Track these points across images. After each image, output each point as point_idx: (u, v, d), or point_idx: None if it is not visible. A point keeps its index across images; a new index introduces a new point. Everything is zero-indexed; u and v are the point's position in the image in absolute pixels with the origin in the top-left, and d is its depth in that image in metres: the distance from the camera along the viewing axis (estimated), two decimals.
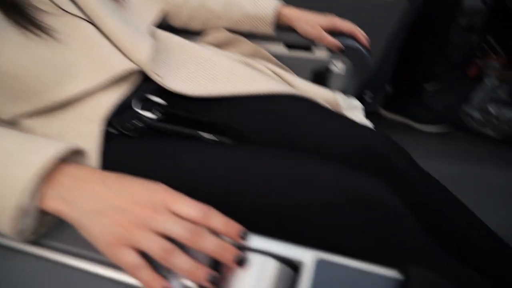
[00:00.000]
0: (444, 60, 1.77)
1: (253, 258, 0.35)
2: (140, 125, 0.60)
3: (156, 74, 0.65)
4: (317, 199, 0.50)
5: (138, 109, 0.62)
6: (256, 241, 0.36)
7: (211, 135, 0.59)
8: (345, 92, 0.84)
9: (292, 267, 0.35)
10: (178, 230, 0.36)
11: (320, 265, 0.33)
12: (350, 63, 0.81)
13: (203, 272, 0.35)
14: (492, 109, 1.44)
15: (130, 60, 0.63)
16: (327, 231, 0.51)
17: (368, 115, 0.92)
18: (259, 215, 0.51)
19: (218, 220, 0.36)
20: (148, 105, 0.63)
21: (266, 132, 0.65)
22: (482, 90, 1.50)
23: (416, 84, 1.52)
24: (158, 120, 0.62)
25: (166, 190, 0.38)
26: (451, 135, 1.49)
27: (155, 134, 0.62)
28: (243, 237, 0.36)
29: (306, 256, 0.34)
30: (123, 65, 0.61)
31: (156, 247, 0.35)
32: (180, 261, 0.35)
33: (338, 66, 0.80)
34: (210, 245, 0.35)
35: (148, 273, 0.36)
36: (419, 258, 0.53)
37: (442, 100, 1.63)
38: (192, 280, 0.36)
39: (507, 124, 1.41)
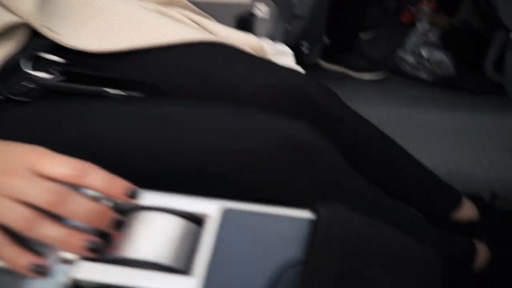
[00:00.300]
0: (378, 8, 1.78)
1: (148, 217, 0.30)
2: (32, 87, 0.52)
3: (48, 28, 0.56)
4: (242, 149, 0.47)
5: (28, 69, 0.53)
6: (152, 198, 0.31)
7: (119, 90, 0.53)
8: (273, 38, 0.79)
9: (197, 221, 0.31)
10: (37, 193, 0.30)
11: (227, 215, 0.30)
12: (275, 6, 0.76)
13: (79, 240, 0.30)
14: (424, 52, 1.47)
15: (13, 13, 0.53)
16: (256, 181, 0.47)
17: (307, 67, 0.90)
18: (178, 172, 0.47)
19: (97, 177, 0.31)
20: (42, 65, 0.54)
21: (186, 84, 0.59)
22: (415, 34, 1.52)
23: (351, 33, 1.51)
24: (57, 81, 0.54)
25: (36, 151, 0.31)
26: (388, 81, 1.52)
27: (57, 97, 0.55)
28: (132, 195, 0.31)
29: (211, 208, 0.30)
30: (3, 18, 0.51)
31: (15, 216, 0.29)
32: (47, 229, 0.30)
33: (262, 10, 0.75)
34: (80, 209, 0.30)
35: (10, 250, 0.30)
36: (353, 200, 0.53)
37: (378, 47, 1.64)
38: (67, 251, 0.30)
39: (438, 66, 1.46)
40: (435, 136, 1.24)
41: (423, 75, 1.48)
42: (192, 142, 0.48)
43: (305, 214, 0.29)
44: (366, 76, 1.52)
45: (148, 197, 0.31)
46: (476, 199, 0.72)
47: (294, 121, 0.50)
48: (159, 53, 0.60)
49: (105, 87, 0.54)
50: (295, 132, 0.48)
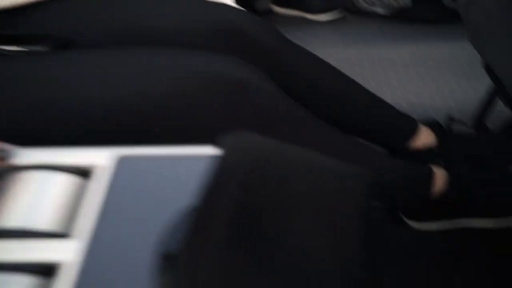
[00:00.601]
0: None
1: (24, 177, 0.25)
2: None
3: None
4: (171, 89, 0.42)
5: None
6: (32, 155, 0.26)
7: (17, 46, 0.46)
8: None
9: (86, 174, 0.26)
10: None
11: (122, 164, 0.25)
12: None
13: None
14: None
15: None
16: (187, 123, 0.43)
17: (260, 13, 0.83)
18: (95, 121, 0.42)
19: None
20: None
21: (101, 32, 0.52)
22: None
23: None
24: None
25: None
26: (345, 20, 1.47)
27: None
28: (2, 157, 0.26)
29: (101, 158, 0.25)
30: None
31: None
32: None
33: None
34: None
35: None
36: (295, 134, 0.49)
37: None
38: None
39: None
40: (395, 70, 1.22)
41: (380, 10, 1.43)
42: (121, 86, 0.43)
43: (209, 150, 0.25)
44: (322, 17, 1.46)
45: (27, 155, 0.26)
46: (433, 125, 0.70)
47: (224, 57, 0.45)
48: (67, 3, 0.53)
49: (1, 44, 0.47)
50: (226, 68, 0.43)
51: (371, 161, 0.55)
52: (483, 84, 0.89)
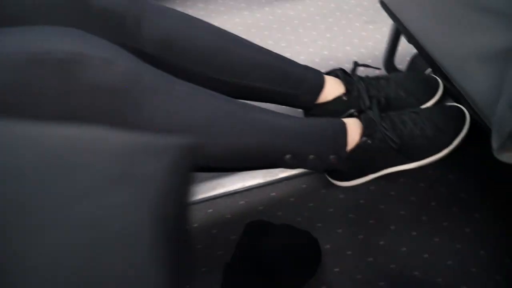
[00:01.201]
0: None
1: None
2: None
3: None
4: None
5: None
6: None
7: None
8: None
9: None
10: None
11: None
12: None
13: None
14: None
15: None
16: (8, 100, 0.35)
17: None
18: None
19: None
20: None
21: None
22: None
23: None
24: None
25: None
26: None
27: None
28: None
29: None
30: None
31: None
32: None
33: None
34: None
35: None
36: (167, 105, 0.42)
37: None
38: None
39: None
40: (304, 27, 1.18)
41: None
42: None
43: None
44: None
45: None
46: (339, 75, 0.67)
47: (60, 31, 0.37)
48: None
49: None
50: (55, 43, 0.35)
51: (273, 125, 0.51)
52: (388, 26, 0.88)
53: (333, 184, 0.72)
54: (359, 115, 0.62)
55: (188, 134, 0.42)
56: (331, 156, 0.56)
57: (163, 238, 0.21)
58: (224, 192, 0.84)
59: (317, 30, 1.17)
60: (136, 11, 0.49)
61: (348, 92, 0.65)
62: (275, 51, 0.66)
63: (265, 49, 0.61)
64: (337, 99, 0.65)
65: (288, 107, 0.75)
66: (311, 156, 0.54)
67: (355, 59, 1.09)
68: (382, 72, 0.94)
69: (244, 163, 0.50)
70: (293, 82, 0.62)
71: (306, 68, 0.64)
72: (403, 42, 0.81)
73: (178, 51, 0.52)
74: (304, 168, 0.57)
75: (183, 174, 0.24)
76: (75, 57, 0.35)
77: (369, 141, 0.58)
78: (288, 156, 0.52)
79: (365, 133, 0.58)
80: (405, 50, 0.90)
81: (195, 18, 0.57)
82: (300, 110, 0.72)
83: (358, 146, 0.58)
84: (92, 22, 0.44)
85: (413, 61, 0.85)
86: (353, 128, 0.58)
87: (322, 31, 1.17)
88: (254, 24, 1.19)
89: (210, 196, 0.83)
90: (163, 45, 0.50)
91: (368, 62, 1.07)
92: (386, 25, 1.09)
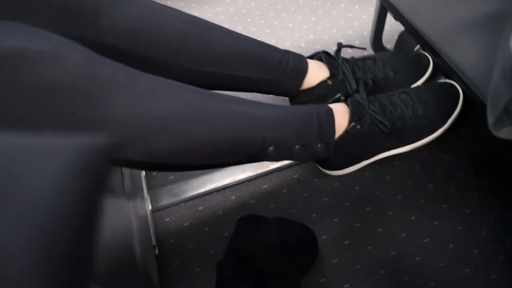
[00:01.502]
0: None
1: None
2: None
3: None
4: None
5: None
6: None
7: None
8: None
9: None
10: None
11: None
12: None
13: None
14: None
15: None
16: None
17: None
18: None
19: None
20: None
21: None
22: None
23: None
24: None
25: None
26: None
27: None
28: None
29: None
30: None
31: None
32: None
33: None
34: None
35: None
36: (126, 100, 0.39)
37: None
38: None
39: None
40: (288, 12, 1.14)
41: None
42: None
43: None
44: None
45: None
46: (323, 58, 0.63)
47: (4, 26, 0.33)
48: None
49: None
50: (6, 41, 0.32)
51: (252, 116, 0.47)
52: (374, 5, 0.85)
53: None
54: (346, 99, 0.58)
55: (156, 131, 0.39)
56: (319, 145, 0.53)
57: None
58: (215, 188, 0.81)
59: (301, 14, 1.13)
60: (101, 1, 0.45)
61: (333, 75, 0.61)
62: (259, 38, 0.62)
63: (243, 35, 0.58)
64: (322, 84, 0.61)
65: (273, 96, 0.72)
66: (297, 147, 0.51)
67: (342, 41, 1.06)
68: (370, 52, 0.90)
69: (222, 158, 0.47)
70: (274, 68, 0.59)
71: (287, 52, 0.61)
72: (391, 21, 0.77)
73: (146, 41, 0.48)
74: (291, 160, 0.54)
75: (82, 177, 0.21)
76: (18, 53, 0.31)
77: (358, 126, 0.55)
78: (271, 148, 0.48)
79: (353, 118, 0.55)
80: (393, 29, 0.86)
81: (165, 6, 0.54)
82: (286, 98, 0.69)
83: (347, 133, 0.55)
84: (43, 13, 0.40)
85: (401, 39, 0.82)
86: (340, 114, 0.55)
87: (307, 15, 1.13)
88: (236, 12, 1.15)
89: (200, 193, 0.80)
90: (128, 36, 0.47)
91: (356, 43, 1.04)
92: (372, 5, 1.05)
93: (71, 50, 0.34)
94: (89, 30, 0.43)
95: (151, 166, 0.48)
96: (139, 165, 0.46)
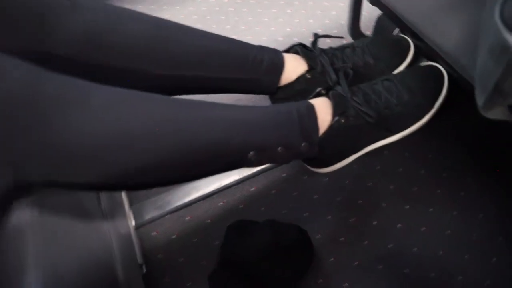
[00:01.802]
0: None
1: None
2: None
3: None
4: None
5: None
6: None
7: None
8: None
9: None
10: None
11: None
12: None
13: None
14: None
15: None
16: None
17: None
18: None
19: None
20: None
21: None
22: None
23: None
24: None
25: None
26: None
27: None
28: None
29: None
30: None
31: None
32: None
33: None
34: None
35: None
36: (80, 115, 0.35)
37: None
38: None
39: None
40: (262, 6, 1.11)
41: None
42: None
43: None
44: None
45: None
46: (298, 51, 0.60)
47: None
48: None
49: None
50: None
51: (226, 121, 0.43)
52: None
53: None
54: (327, 92, 0.55)
55: (114, 149, 0.35)
56: (302, 144, 0.50)
57: None
58: (201, 196, 0.78)
59: (276, 7, 1.10)
60: (49, 7, 0.40)
61: (311, 68, 0.58)
62: (234, 35, 0.58)
63: (214, 34, 0.54)
64: (301, 78, 0.58)
65: (254, 96, 0.68)
66: (279, 149, 0.47)
67: (320, 31, 1.03)
68: (349, 41, 0.88)
69: (198, 169, 0.43)
70: (250, 66, 0.55)
71: (261, 48, 0.57)
72: (368, 6, 0.75)
73: (107, 47, 0.44)
74: (275, 163, 0.51)
75: None
76: None
77: (342, 120, 0.52)
78: (252, 153, 0.45)
79: (336, 112, 0.52)
80: (371, 14, 0.83)
81: (129, 9, 0.50)
82: (267, 97, 0.66)
83: (331, 128, 0.52)
84: None
85: (379, 24, 0.79)
86: (323, 109, 0.52)
87: (282, 7, 1.10)
88: (209, 11, 1.11)
89: (186, 203, 0.77)
90: (87, 45, 0.43)
91: (334, 32, 1.01)
92: None
93: (8, 66, 0.30)
94: (39, 42, 0.39)
95: (112, 187, 0.44)
96: (99, 187, 0.42)
